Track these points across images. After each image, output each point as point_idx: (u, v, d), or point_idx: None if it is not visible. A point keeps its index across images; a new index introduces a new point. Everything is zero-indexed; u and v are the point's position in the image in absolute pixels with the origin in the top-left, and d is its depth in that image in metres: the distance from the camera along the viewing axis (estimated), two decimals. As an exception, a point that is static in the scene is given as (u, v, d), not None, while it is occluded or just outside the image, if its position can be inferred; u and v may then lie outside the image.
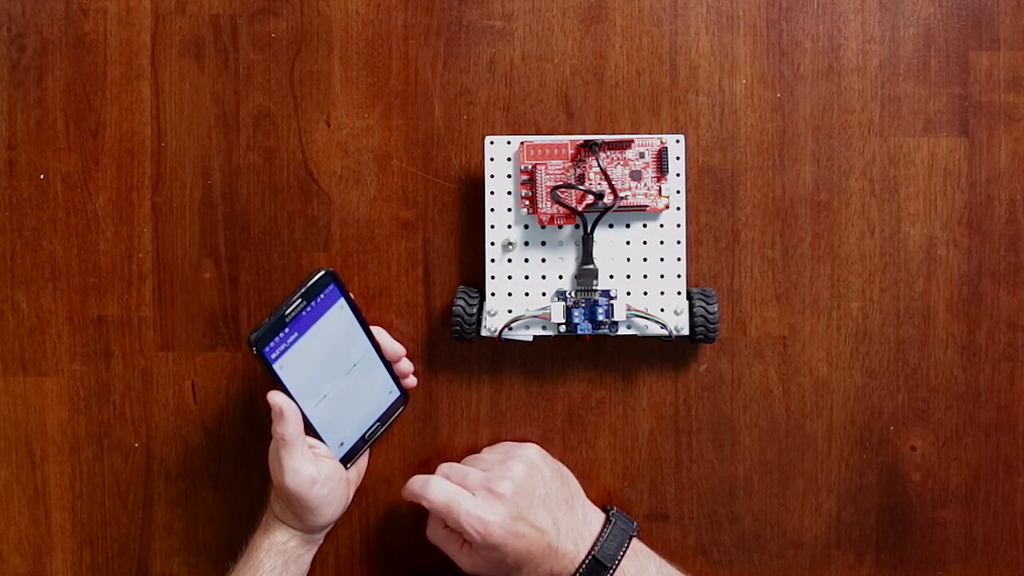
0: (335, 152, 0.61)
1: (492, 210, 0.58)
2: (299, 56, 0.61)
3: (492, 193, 0.58)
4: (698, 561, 0.61)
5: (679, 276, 0.58)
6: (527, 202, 0.58)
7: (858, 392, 0.61)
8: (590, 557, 0.55)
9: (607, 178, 0.57)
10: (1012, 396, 0.61)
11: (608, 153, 0.57)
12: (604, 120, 0.61)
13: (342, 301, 0.54)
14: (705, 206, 0.61)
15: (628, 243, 0.58)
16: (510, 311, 0.58)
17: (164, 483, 0.62)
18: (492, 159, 0.58)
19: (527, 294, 0.59)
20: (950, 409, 0.61)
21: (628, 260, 0.58)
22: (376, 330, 0.57)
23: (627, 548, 0.56)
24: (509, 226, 0.58)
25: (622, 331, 0.58)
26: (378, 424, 0.59)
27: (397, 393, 0.59)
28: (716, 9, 0.61)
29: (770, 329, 0.61)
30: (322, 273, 0.53)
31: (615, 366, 0.61)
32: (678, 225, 0.58)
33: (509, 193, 0.58)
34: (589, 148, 0.57)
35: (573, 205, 0.57)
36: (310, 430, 0.55)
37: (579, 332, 0.58)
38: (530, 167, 0.57)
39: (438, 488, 0.54)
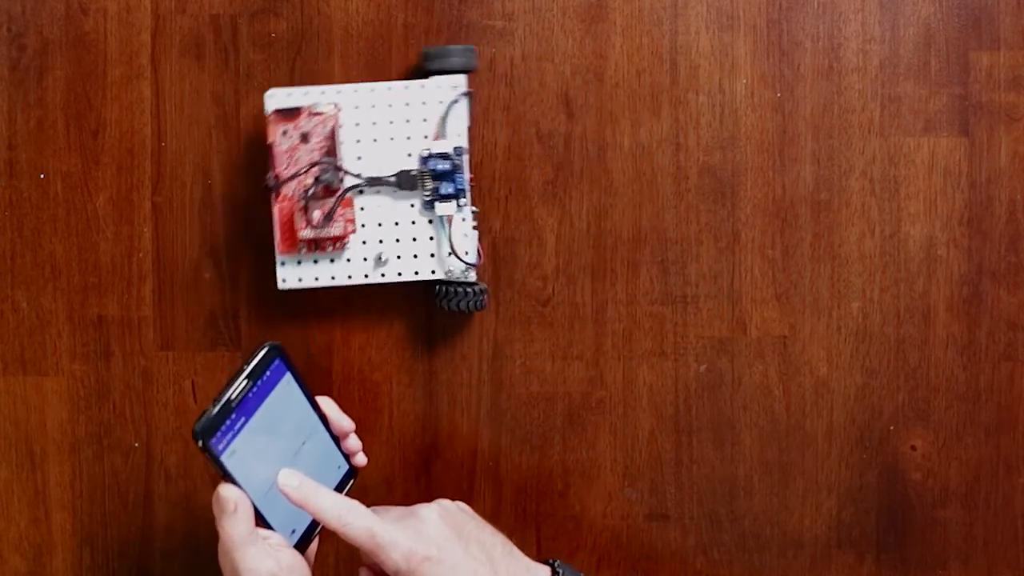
0: (335, 152, 0.61)
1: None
2: (299, 56, 0.61)
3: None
4: (698, 561, 0.61)
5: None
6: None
7: (858, 392, 0.61)
8: None
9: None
10: (1012, 396, 0.61)
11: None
12: (604, 119, 0.61)
13: (288, 376, 0.51)
14: (705, 206, 0.61)
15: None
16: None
17: (164, 483, 0.62)
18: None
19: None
20: (950, 409, 0.61)
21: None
22: (323, 401, 0.54)
23: None
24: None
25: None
26: None
27: (346, 467, 0.55)
28: (716, 9, 0.61)
29: (770, 329, 0.61)
30: (267, 349, 0.50)
31: (615, 366, 0.61)
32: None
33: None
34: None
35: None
36: (260, 521, 0.49)
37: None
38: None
39: (357, 514, 0.49)
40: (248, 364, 0.49)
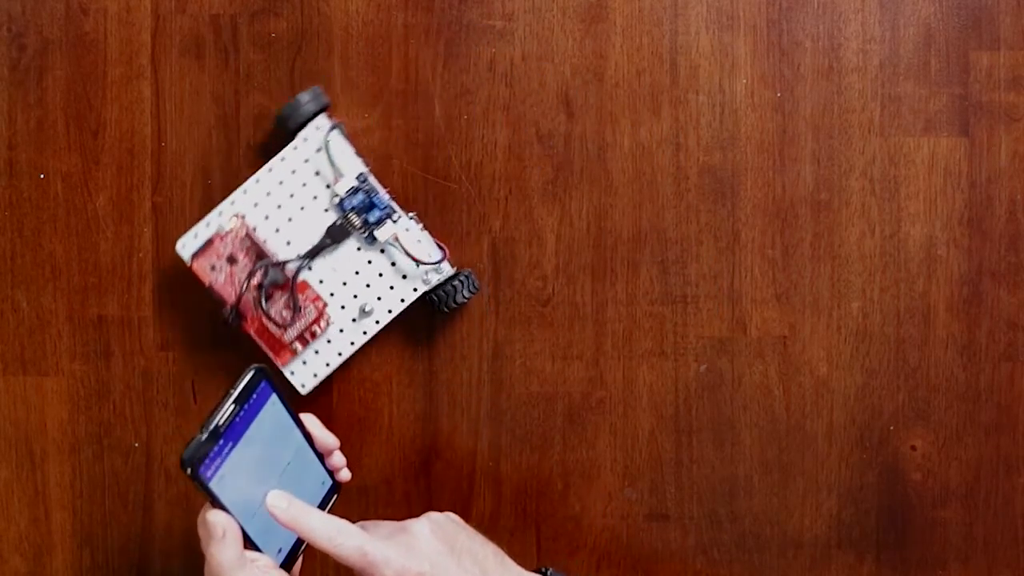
0: (335, 152, 0.61)
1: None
2: (299, 56, 0.61)
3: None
4: (698, 561, 0.61)
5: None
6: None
7: (858, 392, 0.61)
8: None
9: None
10: (1012, 396, 0.61)
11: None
12: (604, 119, 0.61)
13: (274, 397, 0.50)
14: (705, 206, 0.61)
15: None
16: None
17: (164, 483, 0.62)
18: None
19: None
20: (950, 409, 0.61)
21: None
22: (307, 418, 0.53)
23: None
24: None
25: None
26: None
27: (330, 483, 0.54)
28: (716, 9, 0.61)
29: (770, 329, 0.61)
30: (253, 372, 0.49)
31: (615, 366, 0.61)
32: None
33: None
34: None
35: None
36: (248, 543, 0.49)
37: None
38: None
39: (348, 534, 0.48)
40: (235, 389, 0.48)
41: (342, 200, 0.57)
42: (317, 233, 0.57)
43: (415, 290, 0.58)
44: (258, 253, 0.57)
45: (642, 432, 0.62)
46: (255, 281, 0.57)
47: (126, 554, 0.62)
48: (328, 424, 0.54)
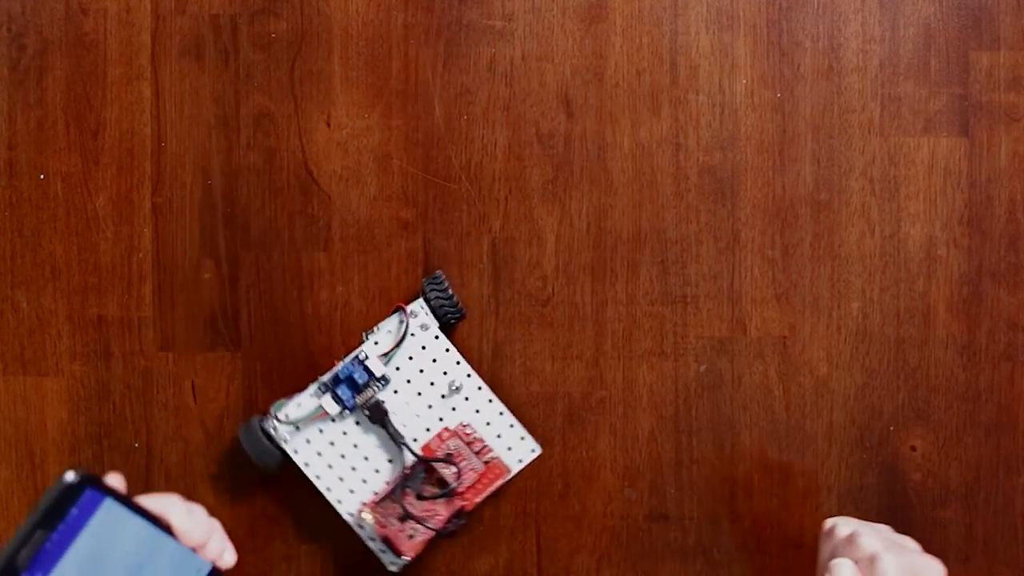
0: (335, 152, 0.61)
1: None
2: (299, 56, 0.61)
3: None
4: (698, 561, 0.61)
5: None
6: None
7: (858, 392, 0.61)
8: None
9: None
10: (1012, 396, 0.61)
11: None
12: (604, 119, 0.61)
13: (108, 502, 0.42)
14: (705, 206, 0.61)
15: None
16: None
17: (164, 483, 0.62)
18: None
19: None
20: (950, 409, 0.61)
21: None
22: (168, 510, 0.45)
23: None
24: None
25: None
26: None
27: (207, 569, 0.46)
28: (716, 9, 0.61)
29: (770, 329, 0.61)
30: (68, 484, 0.40)
31: (615, 366, 0.61)
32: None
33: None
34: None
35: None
36: None
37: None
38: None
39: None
40: (41, 509, 0.40)
41: (344, 407, 0.58)
42: (378, 434, 0.59)
43: (436, 338, 0.59)
44: (392, 493, 0.59)
45: (642, 432, 0.62)
46: (412, 499, 0.58)
47: (126, 554, 0.62)
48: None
